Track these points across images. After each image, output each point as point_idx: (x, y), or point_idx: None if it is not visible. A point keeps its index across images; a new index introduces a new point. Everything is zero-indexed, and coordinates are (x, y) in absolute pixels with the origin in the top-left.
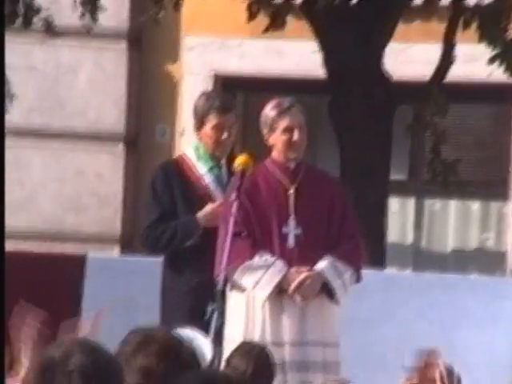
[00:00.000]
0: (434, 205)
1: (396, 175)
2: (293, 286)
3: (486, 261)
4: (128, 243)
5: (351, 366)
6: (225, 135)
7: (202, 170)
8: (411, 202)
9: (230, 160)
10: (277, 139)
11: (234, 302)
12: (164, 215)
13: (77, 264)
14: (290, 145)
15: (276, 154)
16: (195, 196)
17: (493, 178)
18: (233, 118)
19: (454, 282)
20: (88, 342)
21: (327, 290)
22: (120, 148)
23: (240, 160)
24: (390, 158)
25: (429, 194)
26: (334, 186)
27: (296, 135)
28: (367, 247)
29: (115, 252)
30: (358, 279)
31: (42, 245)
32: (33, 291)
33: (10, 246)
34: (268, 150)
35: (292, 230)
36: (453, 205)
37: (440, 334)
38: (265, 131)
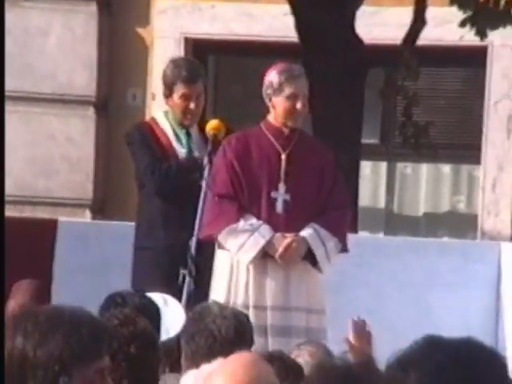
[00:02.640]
0: (405, 168)
1: (368, 139)
2: (280, 249)
3: (457, 224)
4: (99, 208)
5: None
6: (192, 105)
7: (172, 137)
8: (383, 166)
9: (202, 125)
10: (279, 103)
11: (220, 262)
12: (156, 158)
13: (48, 228)
14: (291, 112)
15: (273, 117)
16: (167, 161)
17: (464, 142)
18: (200, 88)
19: (426, 245)
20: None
21: (311, 257)
22: (91, 112)
23: (211, 125)
24: (362, 122)
25: (400, 158)
26: (327, 155)
27: (299, 104)
28: None
29: (87, 216)
30: (343, 249)
31: (14, 209)
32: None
33: None
34: (240, 112)
35: (281, 195)
36: (424, 168)
37: (411, 297)
38: (268, 91)
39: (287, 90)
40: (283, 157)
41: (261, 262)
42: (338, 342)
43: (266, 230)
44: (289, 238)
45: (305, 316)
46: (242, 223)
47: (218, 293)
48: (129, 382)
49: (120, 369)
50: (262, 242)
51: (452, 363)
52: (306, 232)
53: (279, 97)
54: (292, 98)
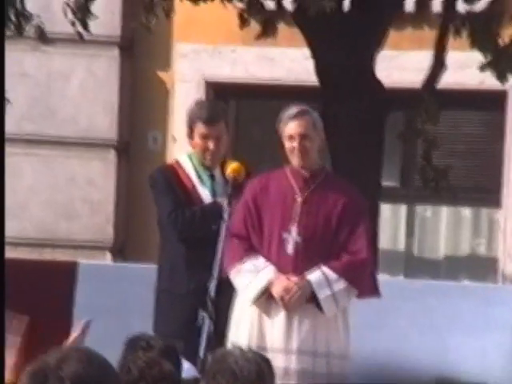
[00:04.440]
0: (425, 211)
1: (387, 182)
2: (280, 292)
3: (477, 267)
4: (120, 250)
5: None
6: (211, 145)
7: (196, 179)
8: (403, 209)
9: (223, 168)
10: (285, 146)
11: (238, 302)
12: (180, 203)
13: (68, 271)
14: (293, 152)
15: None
16: (191, 204)
17: (484, 185)
18: (220, 129)
19: (446, 288)
20: (85, 350)
21: (317, 300)
22: (112, 155)
23: (231, 168)
24: (382, 165)
25: (420, 201)
26: (352, 198)
27: (296, 143)
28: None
29: (107, 259)
30: (371, 294)
31: (34, 252)
32: (24, 298)
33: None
34: (261, 156)
35: (293, 237)
36: (444, 211)
37: (432, 341)
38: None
39: (285, 132)
40: (299, 199)
41: (265, 304)
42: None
43: (270, 271)
44: (291, 280)
45: (311, 359)
46: (247, 263)
47: (236, 335)
48: None
49: None
50: (263, 283)
51: None
52: (312, 274)
53: (284, 140)
54: (291, 138)
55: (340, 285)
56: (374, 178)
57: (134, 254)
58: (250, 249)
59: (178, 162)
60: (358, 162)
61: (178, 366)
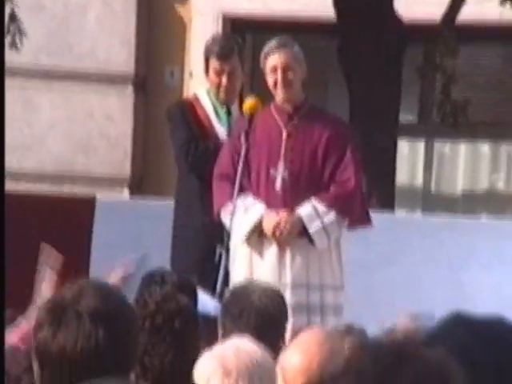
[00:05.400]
0: (443, 147)
1: (405, 117)
2: (270, 227)
3: (495, 202)
4: (137, 185)
5: (358, 307)
6: (224, 80)
7: (213, 115)
8: (421, 145)
9: (241, 103)
10: (268, 80)
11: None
12: (194, 137)
13: (86, 206)
14: (275, 85)
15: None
16: (206, 139)
17: (503, 119)
18: (233, 64)
19: (464, 224)
20: (101, 285)
21: (308, 233)
22: (129, 89)
23: (248, 104)
24: (400, 100)
25: (438, 136)
26: (337, 130)
27: (279, 75)
28: (375, 189)
29: (125, 194)
30: (364, 223)
31: (52, 185)
32: (43, 233)
33: (20, 186)
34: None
35: (280, 172)
36: (463, 146)
37: (448, 276)
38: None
39: (267, 65)
40: (284, 135)
41: (258, 240)
42: (371, 320)
43: (259, 209)
44: (280, 215)
45: (305, 292)
46: (238, 202)
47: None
48: (174, 355)
49: (165, 342)
50: (253, 220)
51: (474, 339)
52: (302, 208)
53: (266, 74)
54: (273, 71)
55: (330, 216)
56: (392, 114)
57: (151, 189)
58: (239, 188)
59: (196, 97)
60: (375, 97)
61: (195, 300)
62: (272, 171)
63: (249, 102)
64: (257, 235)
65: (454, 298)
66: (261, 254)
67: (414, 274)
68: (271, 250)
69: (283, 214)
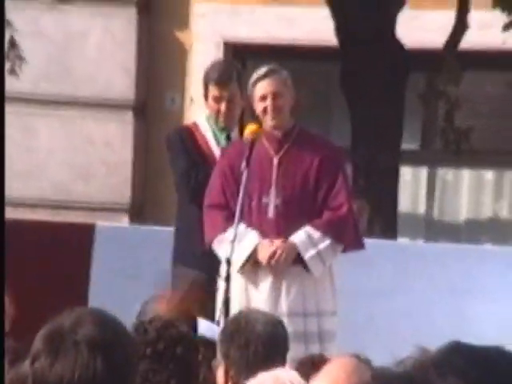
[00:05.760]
0: (446, 174)
1: (408, 144)
2: (266, 257)
3: (499, 230)
4: (137, 212)
5: (363, 335)
6: (223, 107)
7: (213, 141)
8: (424, 172)
9: (241, 129)
10: (257, 108)
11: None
12: (194, 164)
13: (86, 233)
14: (265, 112)
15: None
16: (206, 166)
17: (507, 147)
18: (232, 90)
19: (467, 252)
20: (99, 313)
21: (303, 261)
22: (129, 116)
23: (249, 130)
24: (402, 126)
25: (441, 164)
26: (328, 154)
27: (268, 102)
28: (378, 217)
29: (124, 221)
30: (357, 247)
31: (52, 213)
32: (42, 260)
33: (19, 214)
34: None
35: (272, 200)
36: (466, 174)
37: (451, 305)
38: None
39: (256, 93)
40: (275, 161)
41: (252, 269)
42: (376, 348)
43: (253, 238)
44: (275, 244)
45: (302, 320)
46: (229, 233)
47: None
48: (177, 382)
49: (168, 369)
50: (248, 250)
51: (472, 368)
52: (296, 236)
53: (255, 102)
54: (263, 98)
55: (325, 243)
56: (395, 140)
57: (151, 216)
58: (231, 217)
59: (195, 124)
60: (377, 123)
61: (194, 327)
62: (264, 199)
63: (251, 127)
64: (251, 265)
65: (457, 326)
66: (256, 283)
67: (418, 302)
68: (266, 280)
69: (278, 243)
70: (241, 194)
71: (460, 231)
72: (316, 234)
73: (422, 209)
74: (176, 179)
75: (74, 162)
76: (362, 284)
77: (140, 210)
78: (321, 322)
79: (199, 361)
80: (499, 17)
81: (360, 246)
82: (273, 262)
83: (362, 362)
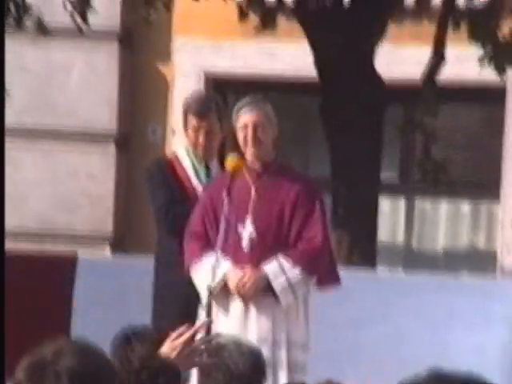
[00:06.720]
0: (424, 205)
1: (386, 176)
2: (233, 285)
3: (476, 261)
4: (119, 243)
5: (342, 365)
6: (201, 138)
7: (192, 172)
8: (402, 203)
9: (221, 161)
10: (238, 137)
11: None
12: (172, 198)
13: (68, 264)
14: (245, 142)
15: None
16: (185, 198)
17: (483, 179)
18: (210, 122)
19: (445, 282)
20: (81, 345)
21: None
22: (112, 148)
23: (230, 161)
24: (381, 158)
25: (419, 195)
26: (304, 187)
27: (249, 133)
28: (357, 247)
29: (107, 252)
30: (333, 282)
31: (34, 244)
32: (24, 291)
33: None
34: None
35: (248, 231)
36: (443, 205)
37: (431, 335)
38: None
39: (238, 123)
40: (252, 192)
41: (223, 297)
42: (356, 379)
43: (225, 266)
44: (244, 271)
45: (270, 348)
46: (203, 261)
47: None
48: None
49: None
50: (218, 278)
51: None
52: (268, 264)
53: (237, 132)
54: (244, 128)
55: (295, 273)
56: (373, 172)
57: (133, 247)
58: (207, 246)
59: (175, 155)
60: (356, 155)
61: None
62: (240, 229)
63: (233, 160)
64: (223, 292)
65: (436, 355)
66: (226, 310)
67: (398, 333)
68: (237, 307)
69: (247, 270)
70: (222, 221)
71: (438, 261)
72: (287, 264)
73: (400, 239)
74: (154, 212)
75: (56, 194)
76: (342, 314)
77: (122, 241)
78: (290, 352)
79: None
80: (475, 51)
81: (335, 279)
82: (241, 289)
83: None
